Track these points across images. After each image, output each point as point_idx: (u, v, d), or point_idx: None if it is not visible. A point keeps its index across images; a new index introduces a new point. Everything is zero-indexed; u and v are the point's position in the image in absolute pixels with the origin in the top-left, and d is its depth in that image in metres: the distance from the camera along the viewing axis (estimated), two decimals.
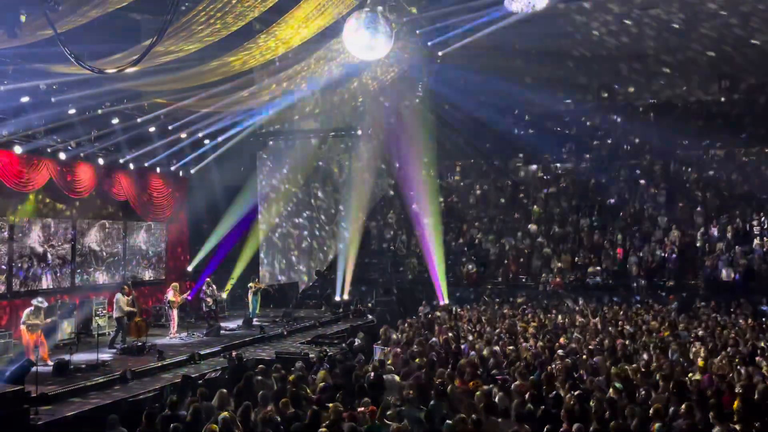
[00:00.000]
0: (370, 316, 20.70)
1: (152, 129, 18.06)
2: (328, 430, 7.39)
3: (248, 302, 19.29)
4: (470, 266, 23.90)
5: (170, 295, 16.71)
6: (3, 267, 15.53)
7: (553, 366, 10.65)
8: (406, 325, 15.98)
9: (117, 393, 11.32)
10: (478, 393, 8.53)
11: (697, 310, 17.94)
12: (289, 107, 19.42)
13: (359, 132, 23.27)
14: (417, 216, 25.14)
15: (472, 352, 12.18)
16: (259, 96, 17.12)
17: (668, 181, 25.99)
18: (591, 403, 8.36)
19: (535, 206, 26.63)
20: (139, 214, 19.69)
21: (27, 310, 12.76)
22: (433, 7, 16.25)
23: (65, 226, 17.43)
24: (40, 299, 13.11)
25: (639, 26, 21.57)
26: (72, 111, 15.22)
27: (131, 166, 18.79)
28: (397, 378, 10.16)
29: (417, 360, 11.17)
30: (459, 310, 19.12)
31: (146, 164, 19.23)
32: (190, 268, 21.73)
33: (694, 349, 12.03)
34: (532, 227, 25.29)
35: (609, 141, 28.33)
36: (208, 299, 17.89)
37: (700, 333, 13.97)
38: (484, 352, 11.99)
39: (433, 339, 13.61)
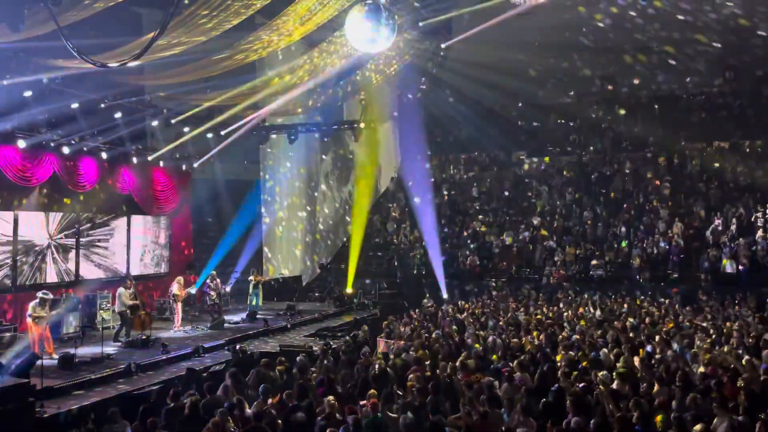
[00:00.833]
0: (373, 309, 20.73)
1: (155, 123, 18.06)
2: (327, 422, 7.41)
3: (249, 295, 19.32)
4: (473, 259, 23.91)
5: (175, 288, 16.75)
6: (8, 261, 15.57)
7: (557, 358, 10.66)
8: (409, 317, 16.02)
9: (122, 386, 11.37)
10: (481, 385, 8.55)
11: (700, 303, 17.93)
12: (292, 100, 19.39)
13: (362, 125, 23.24)
14: (420, 209, 25.14)
15: (476, 345, 12.19)
16: (261, 89, 17.10)
17: (672, 174, 25.93)
18: (594, 395, 8.39)
19: (538, 199, 26.61)
20: (143, 207, 19.72)
21: (32, 303, 12.81)
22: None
23: (69, 220, 17.47)
24: (45, 291, 13.17)
25: (644, 17, 21.47)
26: (75, 105, 15.22)
27: (134, 160, 18.80)
28: (400, 371, 10.19)
29: (420, 353, 11.19)
30: (462, 302, 19.13)
31: (149, 158, 19.23)
32: (193, 262, 21.77)
33: (697, 342, 12.01)
34: (536, 220, 25.28)
35: (613, 133, 28.24)
36: (212, 293, 17.94)
37: (704, 325, 13.96)
38: (488, 345, 12.01)
39: (437, 332, 13.63)
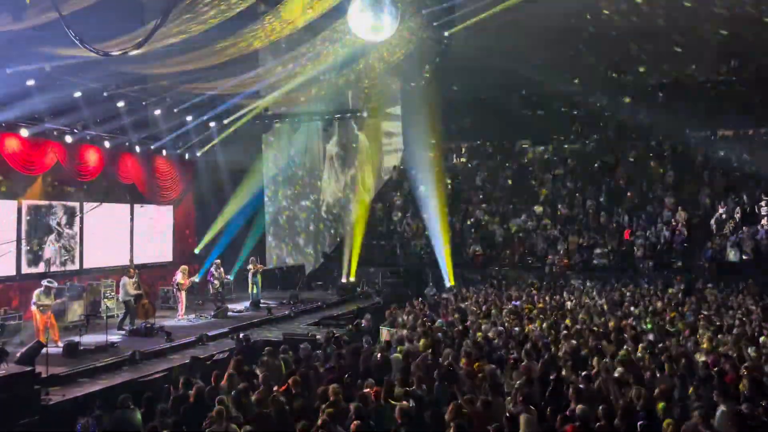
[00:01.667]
0: (376, 298, 20.78)
1: (158, 112, 18.04)
2: (333, 411, 7.45)
3: (249, 284, 19.32)
4: (476, 248, 23.91)
5: (179, 277, 16.81)
6: (12, 250, 15.63)
7: (559, 347, 10.68)
8: (412, 306, 16.05)
9: (126, 374, 11.45)
10: (483, 374, 8.58)
11: (703, 291, 17.91)
12: (294, 89, 19.34)
13: (365, 114, 23.17)
14: (423, 197, 25.11)
15: (478, 334, 12.22)
16: (264, 78, 17.05)
17: (676, 162, 25.81)
18: (597, 384, 8.41)
19: (542, 188, 26.54)
20: (146, 196, 19.77)
21: (37, 291, 12.89)
22: None
23: (73, 209, 17.51)
24: (49, 280, 13.25)
25: (649, 4, 21.28)
26: (78, 94, 15.21)
27: (137, 149, 18.82)
28: (402, 359, 10.22)
29: (423, 341, 11.23)
30: (465, 291, 19.16)
31: (152, 147, 19.26)
32: (197, 251, 21.84)
33: (700, 330, 12.02)
34: (539, 209, 25.24)
35: (617, 121, 28.10)
36: (216, 281, 18.00)
37: (707, 314, 13.95)
38: (490, 334, 12.04)
39: (439, 320, 13.66)
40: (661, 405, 7.10)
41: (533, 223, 24.66)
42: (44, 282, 13.08)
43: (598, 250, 22.38)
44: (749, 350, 10.05)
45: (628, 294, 17.43)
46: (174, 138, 19.62)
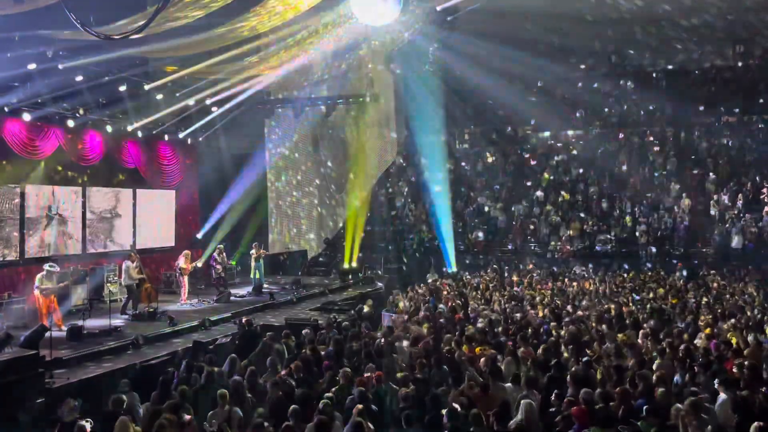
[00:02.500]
0: (378, 284, 20.81)
1: (160, 96, 17.97)
2: (336, 395, 7.51)
3: (251, 269, 19.35)
4: (478, 234, 23.92)
5: (182, 262, 16.84)
6: (15, 234, 15.68)
7: (560, 332, 10.71)
8: (414, 292, 16.08)
9: (129, 357, 11.51)
10: (484, 358, 8.62)
11: (705, 278, 17.92)
12: (297, 74, 19.24)
13: (368, 99, 23.06)
14: (425, 184, 25.08)
15: (480, 319, 12.26)
16: (267, 62, 16.96)
17: (679, 148, 25.74)
18: (597, 369, 8.44)
19: (545, 174, 26.49)
20: (149, 181, 19.77)
21: (39, 275, 12.95)
22: None
23: (76, 194, 17.53)
24: (51, 264, 13.29)
25: None
26: (79, 78, 15.15)
27: (139, 133, 18.78)
28: (405, 344, 10.27)
29: (425, 326, 11.26)
30: (467, 277, 19.19)
31: (154, 132, 19.21)
32: (199, 236, 21.86)
33: (701, 316, 12.04)
34: (541, 194, 25.22)
35: (620, 108, 27.97)
36: (218, 266, 18.04)
37: (708, 300, 13.98)
38: (491, 319, 12.07)
39: (441, 306, 13.70)
40: (660, 391, 7.13)
41: (536, 209, 24.65)
42: (46, 266, 13.13)
43: (601, 237, 22.38)
44: (750, 337, 10.07)
45: (629, 280, 17.45)
46: (176, 123, 19.56)
